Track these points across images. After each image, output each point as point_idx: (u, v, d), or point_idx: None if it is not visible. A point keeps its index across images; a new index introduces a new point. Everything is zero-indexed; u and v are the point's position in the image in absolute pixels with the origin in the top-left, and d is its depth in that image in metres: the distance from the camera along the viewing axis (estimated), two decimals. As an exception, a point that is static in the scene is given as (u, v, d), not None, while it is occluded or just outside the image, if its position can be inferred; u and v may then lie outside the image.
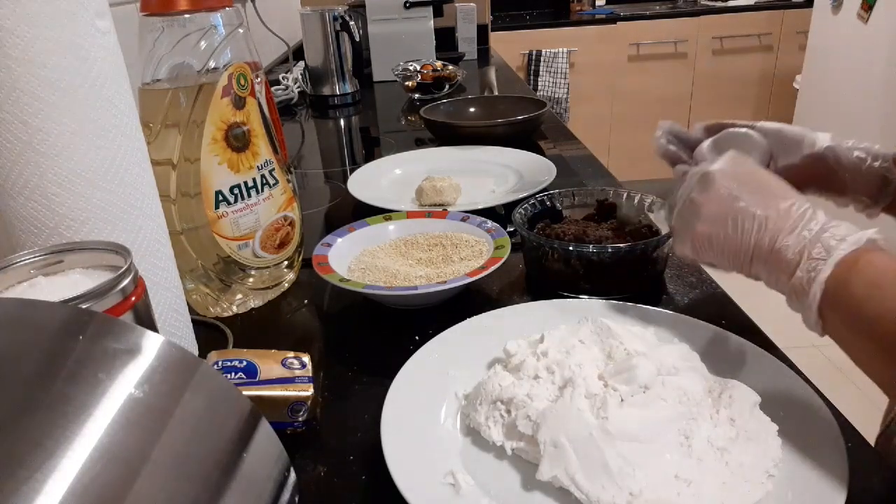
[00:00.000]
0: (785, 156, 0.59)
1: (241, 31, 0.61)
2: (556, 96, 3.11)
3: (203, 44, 0.58)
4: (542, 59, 3.06)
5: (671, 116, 3.47)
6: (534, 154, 1.02)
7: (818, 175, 0.58)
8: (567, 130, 1.26)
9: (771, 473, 0.40)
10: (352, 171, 1.00)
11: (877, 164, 0.56)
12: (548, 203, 0.74)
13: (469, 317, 0.57)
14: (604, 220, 0.71)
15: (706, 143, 0.60)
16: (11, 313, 0.28)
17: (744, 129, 0.60)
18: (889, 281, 0.38)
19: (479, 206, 0.83)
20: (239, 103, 0.60)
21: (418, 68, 1.59)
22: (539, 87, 3.09)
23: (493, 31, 2.44)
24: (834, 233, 0.41)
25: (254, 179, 0.63)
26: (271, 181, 0.65)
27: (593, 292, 0.62)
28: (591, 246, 0.61)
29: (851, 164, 0.56)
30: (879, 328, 0.37)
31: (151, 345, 0.27)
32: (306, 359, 0.49)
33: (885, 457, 0.44)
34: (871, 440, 0.45)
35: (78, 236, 0.46)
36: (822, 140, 0.57)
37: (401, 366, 0.50)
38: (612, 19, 3.10)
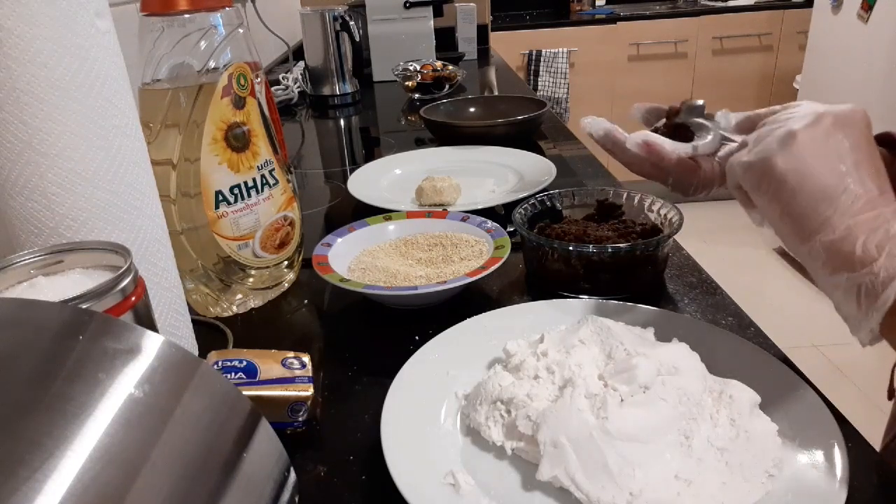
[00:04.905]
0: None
1: (241, 31, 0.61)
2: (556, 96, 3.11)
3: (203, 44, 0.58)
4: (542, 59, 3.06)
5: (671, 116, 3.48)
6: (534, 154, 1.02)
7: None
8: (567, 130, 1.26)
9: (771, 473, 0.40)
10: (352, 171, 1.00)
11: None
12: (548, 203, 0.74)
13: (469, 317, 0.57)
14: (604, 220, 0.71)
15: (725, 115, 0.54)
16: (11, 313, 0.28)
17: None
18: None
19: (479, 206, 0.83)
20: (239, 103, 0.60)
21: (418, 68, 1.59)
22: (539, 87, 3.09)
23: (493, 31, 2.44)
24: None
25: (254, 179, 0.63)
26: (271, 181, 0.65)
27: (593, 292, 0.62)
28: (591, 246, 0.61)
29: None
30: None
31: (151, 345, 0.27)
32: (306, 359, 0.49)
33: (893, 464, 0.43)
34: (871, 440, 0.45)
35: (78, 236, 0.46)
36: None
37: (401, 366, 0.50)
38: (612, 19, 3.10)
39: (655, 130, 0.55)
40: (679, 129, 0.55)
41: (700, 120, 0.55)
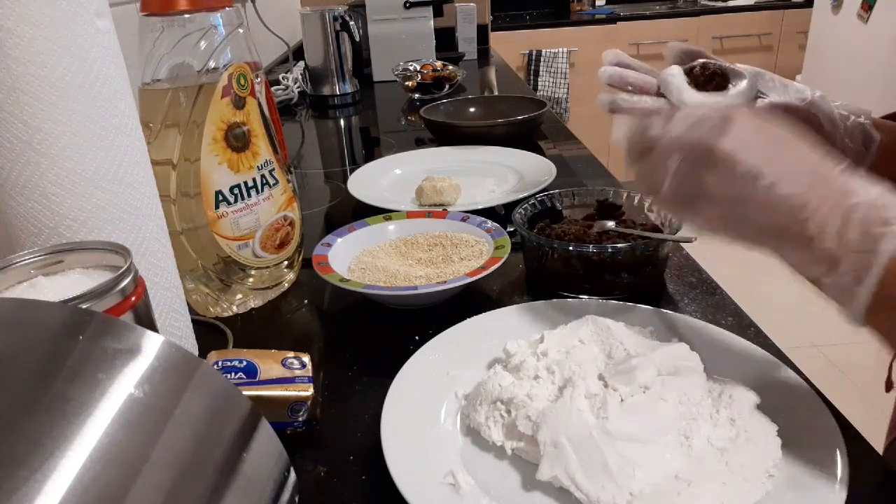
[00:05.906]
0: (774, 94, 0.55)
1: (241, 31, 0.61)
2: (556, 96, 3.11)
3: (203, 44, 0.58)
4: (542, 59, 3.06)
5: (671, 116, 3.51)
6: (534, 154, 1.02)
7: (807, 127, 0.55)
8: (567, 130, 1.26)
9: (771, 473, 0.40)
10: (352, 171, 1.01)
11: (860, 119, 0.56)
12: (548, 203, 0.74)
13: (469, 317, 0.57)
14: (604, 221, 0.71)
15: (677, 72, 0.55)
16: (11, 313, 0.28)
17: (727, 64, 0.56)
18: None
19: (479, 206, 0.83)
20: (239, 103, 0.60)
21: (418, 68, 1.59)
22: (539, 87, 3.09)
23: (493, 31, 2.44)
24: (878, 215, 0.35)
25: (254, 179, 0.63)
26: (271, 181, 0.65)
27: (593, 292, 0.62)
28: (591, 246, 0.61)
29: (837, 117, 0.56)
30: None
31: (151, 345, 0.27)
32: (306, 359, 0.49)
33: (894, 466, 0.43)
34: (871, 440, 0.45)
35: (78, 236, 0.46)
36: (810, 91, 0.56)
37: (401, 366, 0.50)
38: (612, 19, 3.10)
39: (692, 70, 0.55)
40: (714, 76, 0.55)
41: (736, 67, 0.55)
